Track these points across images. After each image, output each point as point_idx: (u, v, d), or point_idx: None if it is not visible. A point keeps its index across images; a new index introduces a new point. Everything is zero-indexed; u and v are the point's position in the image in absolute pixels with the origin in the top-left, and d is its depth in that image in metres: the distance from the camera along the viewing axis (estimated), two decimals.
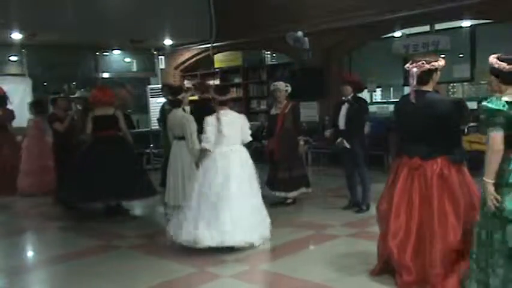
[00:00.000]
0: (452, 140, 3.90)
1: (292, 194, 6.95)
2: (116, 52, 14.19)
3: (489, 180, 3.17)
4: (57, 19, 9.87)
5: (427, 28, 10.15)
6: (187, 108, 6.66)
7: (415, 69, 3.84)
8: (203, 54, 13.81)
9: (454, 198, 3.74)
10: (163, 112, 8.01)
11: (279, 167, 6.87)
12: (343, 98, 6.49)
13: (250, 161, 5.27)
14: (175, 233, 5.05)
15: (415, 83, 3.85)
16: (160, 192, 7.00)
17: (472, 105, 9.37)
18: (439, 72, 3.93)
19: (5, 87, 9.30)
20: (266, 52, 13.19)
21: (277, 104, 7.00)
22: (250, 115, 12.54)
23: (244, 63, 13.34)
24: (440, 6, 8.98)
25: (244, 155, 5.26)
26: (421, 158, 3.85)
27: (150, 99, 12.62)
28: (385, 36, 10.79)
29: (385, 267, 4.07)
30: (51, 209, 7.45)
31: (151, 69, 14.59)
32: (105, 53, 13.92)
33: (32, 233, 6.71)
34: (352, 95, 6.41)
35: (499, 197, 3.14)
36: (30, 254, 5.94)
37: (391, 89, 11.51)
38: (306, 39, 10.56)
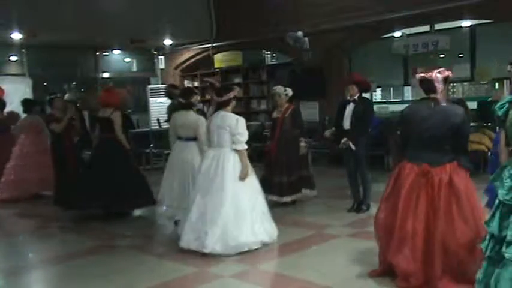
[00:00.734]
0: (461, 148, 3.93)
1: (286, 199, 6.80)
2: (116, 52, 14.18)
3: None
4: (57, 19, 9.88)
5: (427, 28, 10.14)
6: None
7: (439, 75, 3.86)
8: (203, 54, 13.80)
9: (462, 206, 3.72)
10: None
11: (275, 171, 6.78)
12: (348, 98, 6.39)
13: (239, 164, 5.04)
14: (183, 239, 5.00)
15: (441, 87, 3.87)
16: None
17: (472, 105, 9.35)
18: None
19: (5, 87, 9.30)
20: (266, 52, 13.18)
21: (278, 107, 6.98)
22: (251, 115, 12.57)
23: (244, 63, 13.33)
24: (440, 6, 8.96)
25: (233, 157, 5.01)
26: (430, 164, 3.83)
27: (150, 99, 12.66)
28: (385, 36, 10.78)
29: (387, 269, 4.04)
30: (51, 209, 7.44)
31: (151, 69, 14.57)
32: (105, 53, 13.91)
33: (31, 233, 6.70)
34: (358, 95, 6.32)
35: None
36: (29, 254, 5.92)
37: (391, 89, 11.48)
38: (306, 39, 10.54)
